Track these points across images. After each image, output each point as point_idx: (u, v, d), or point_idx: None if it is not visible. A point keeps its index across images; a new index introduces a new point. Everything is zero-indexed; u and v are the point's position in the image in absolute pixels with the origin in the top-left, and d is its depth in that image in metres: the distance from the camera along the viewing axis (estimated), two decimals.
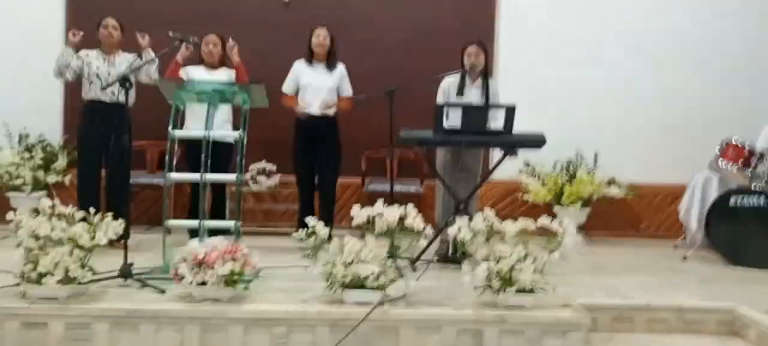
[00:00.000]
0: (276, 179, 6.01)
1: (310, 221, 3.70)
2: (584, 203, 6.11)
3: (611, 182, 6.19)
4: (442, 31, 6.35)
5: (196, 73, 5.17)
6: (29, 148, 5.84)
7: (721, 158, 5.43)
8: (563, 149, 6.19)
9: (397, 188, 5.55)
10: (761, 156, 5.32)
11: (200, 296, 3.45)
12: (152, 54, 5.02)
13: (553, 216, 5.40)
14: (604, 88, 6.60)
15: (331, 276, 3.53)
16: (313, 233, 3.65)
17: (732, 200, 5.23)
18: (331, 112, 5.35)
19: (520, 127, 4.70)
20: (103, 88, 4.91)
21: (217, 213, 5.19)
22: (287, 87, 5.45)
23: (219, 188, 5.26)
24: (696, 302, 3.90)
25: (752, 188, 5.23)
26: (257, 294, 3.64)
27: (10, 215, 3.53)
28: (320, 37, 5.34)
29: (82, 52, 5.14)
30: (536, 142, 4.69)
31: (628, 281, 4.45)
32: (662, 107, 6.62)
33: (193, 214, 4.88)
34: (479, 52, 5.06)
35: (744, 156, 5.33)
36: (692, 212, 5.80)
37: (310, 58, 5.40)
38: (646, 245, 6.17)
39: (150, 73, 5.09)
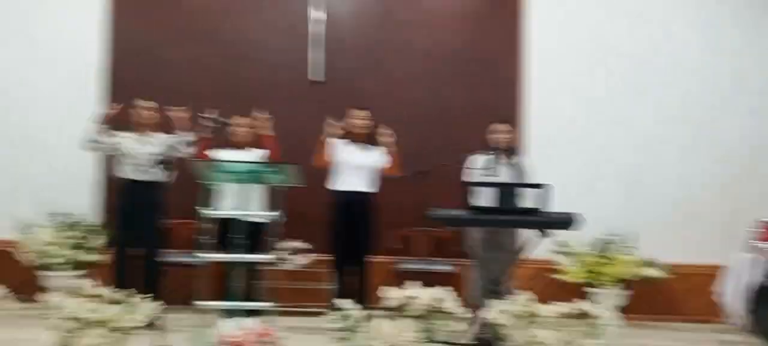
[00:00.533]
0: (310, 258, 6.00)
1: (344, 302, 3.65)
2: (623, 284, 5.96)
3: (650, 263, 6.04)
4: (468, 108, 6.37)
5: (224, 156, 5.21)
6: (66, 227, 5.89)
7: (758, 240, 5.31)
8: (598, 228, 6.07)
9: (431, 267, 5.49)
10: None
11: None
12: (188, 136, 5.11)
13: (588, 297, 5.32)
14: (638, 165, 6.54)
15: None
16: (348, 315, 3.60)
17: None
18: (369, 189, 5.32)
19: (555, 205, 4.64)
20: (145, 169, 4.98)
21: (249, 292, 5.15)
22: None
23: (254, 268, 5.23)
24: None
25: None
26: None
27: (46, 296, 3.54)
28: (360, 119, 5.40)
29: (117, 133, 5.25)
30: (566, 222, 4.62)
31: None
32: (700, 185, 6.52)
33: (226, 294, 4.87)
34: (509, 128, 5.08)
35: None
36: (733, 294, 5.62)
37: (349, 137, 5.44)
38: (687, 329, 5.98)
39: (185, 149, 5.15)
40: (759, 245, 5.29)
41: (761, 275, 5.37)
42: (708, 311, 6.37)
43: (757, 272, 5.50)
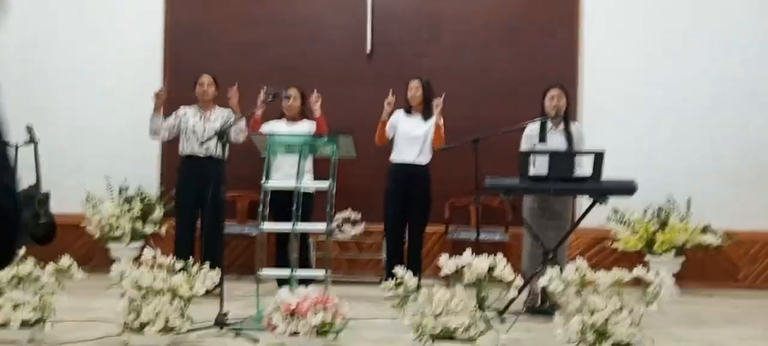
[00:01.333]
0: (361, 228, 6.11)
1: (399, 270, 3.72)
2: (678, 251, 5.88)
3: (706, 229, 5.95)
4: (523, 78, 6.31)
5: (277, 127, 5.34)
6: (128, 200, 6.13)
7: None
8: (653, 195, 5.99)
9: (482, 236, 5.50)
10: None
11: (293, 345, 3.50)
12: (241, 123, 5.23)
13: (645, 265, 5.27)
14: (694, 130, 6.38)
15: (420, 327, 3.52)
16: (402, 283, 3.66)
17: None
18: (421, 160, 5.36)
19: (608, 172, 4.60)
20: (202, 144, 5.14)
21: (303, 261, 5.28)
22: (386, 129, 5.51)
23: (305, 237, 5.36)
24: None
25: None
26: (347, 344, 3.66)
27: (114, 266, 3.70)
28: (412, 90, 5.43)
29: (180, 110, 5.42)
30: (627, 189, 4.59)
31: (730, 333, 4.25)
32: (757, 150, 6.34)
33: (280, 262, 5.00)
34: (561, 94, 5.00)
35: None
36: None
37: (408, 108, 5.49)
38: (744, 296, 5.87)
39: (238, 136, 5.27)
40: None
41: None
42: (767, 279, 6.25)
43: None
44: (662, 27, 6.46)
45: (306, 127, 5.39)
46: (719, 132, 6.39)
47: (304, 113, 5.50)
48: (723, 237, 5.97)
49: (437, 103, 5.30)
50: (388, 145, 5.54)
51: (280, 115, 5.49)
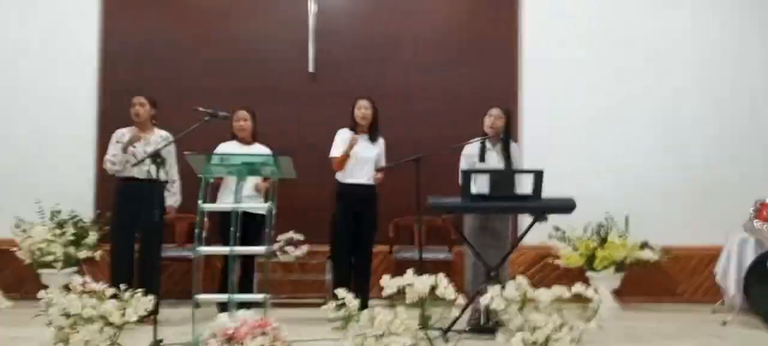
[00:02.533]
0: (304, 249, 6.02)
1: (340, 292, 3.66)
2: (617, 267, 5.98)
3: (644, 246, 6.07)
4: (465, 98, 6.37)
5: (228, 148, 5.24)
6: (61, 224, 5.90)
7: (756, 219, 5.31)
8: (593, 212, 6.10)
9: (426, 255, 5.49)
10: None
11: None
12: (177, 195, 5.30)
13: (586, 281, 5.34)
14: (632, 149, 6.54)
15: None
16: (343, 304, 3.61)
17: None
18: (372, 181, 5.35)
19: (548, 190, 4.65)
20: (134, 165, 4.98)
21: (246, 285, 5.17)
22: (336, 151, 5.40)
23: (248, 260, 5.25)
24: None
25: None
26: None
27: (42, 293, 3.54)
28: (362, 109, 5.38)
29: (117, 133, 5.26)
30: (566, 207, 4.64)
31: None
32: (693, 167, 6.53)
33: (222, 287, 4.88)
34: (500, 115, 5.07)
35: None
36: (729, 275, 5.64)
37: (354, 128, 5.43)
38: (683, 310, 6.01)
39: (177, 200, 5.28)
40: (755, 224, 5.30)
41: (756, 255, 5.39)
42: (705, 293, 6.41)
43: (749, 251, 5.52)
44: (601, 47, 6.62)
45: (257, 150, 5.29)
46: (657, 151, 6.56)
47: (256, 136, 5.41)
48: (661, 253, 6.10)
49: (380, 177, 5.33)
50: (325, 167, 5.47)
51: (231, 136, 5.38)
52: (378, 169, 5.37)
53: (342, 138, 5.39)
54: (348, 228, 5.34)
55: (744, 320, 5.28)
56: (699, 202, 6.45)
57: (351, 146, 5.25)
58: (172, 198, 5.33)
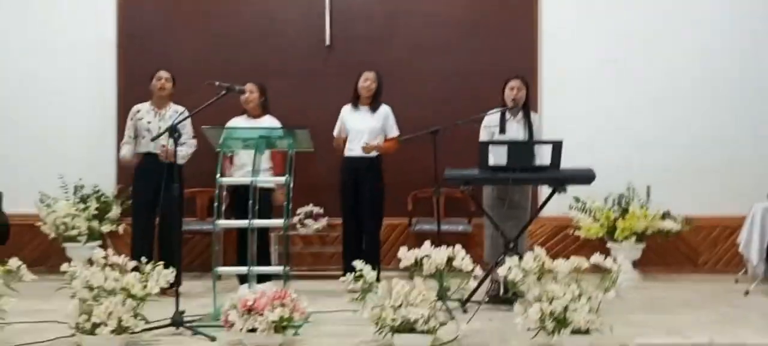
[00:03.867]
0: (323, 222, 6.06)
1: (358, 264, 3.68)
2: (638, 238, 5.94)
3: (665, 216, 6.02)
4: (483, 70, 6.31)
5: (238, 122, 5.24)
6: (84, 199, 5.99)
7: None
8: (614, 183, 6.05)
9: (445, 227, 5.50)
10: None
11: (251, 342, 3.45)
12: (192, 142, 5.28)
13: (606, 252, 5.31)
14: (654, 119, 6.46)
15: (380, 320, 3.49)
16: (361, 276, 3.63)
17: None
18: (372, 153, 5.35)
19: (569, 161, 4.62)
20: (153, 139, 5.02)
21: (262, 257, 5.20)
22: (336, 131, 5.51)
23: (264, 233, 5.27)
24: (760, 339, 3.72)
25: None
26: (307, 340, 3.63)
27: (65, 266, 3.61)
28: (368, 81, 5.38)
29: (133, 109, 5.30)
30: (586, 178, 4.60)
31: (688, 319, 4.29)
32: (715, 137, 6.43)
33: (241, 260, 4.93)
34: (521, 85, 5.01)
35: None
36: (752, 244, 5.57)
37: (356, 101, 5.44)
38: (705, 281, 5.96)
39: (183, 155, 5.17)
40: None
41: None
42: (727, 263, 6.35)
43: None
44: (620, 18, 6.52)
45: (268, 123, 5.30)
46: (677, 121, 6.47)
47: (266, 109, 5.42)
48: (682, 223, 6.04)
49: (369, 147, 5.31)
50: None
51: (242, 111, 5.40)
52: (389, 139, 5.35)
53: (341, 116, 5.47)
54: (349, 201, 5.36)
55: (766, 290, 5.23)
56: (722, 172, 6.37)
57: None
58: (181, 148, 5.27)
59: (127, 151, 5.30)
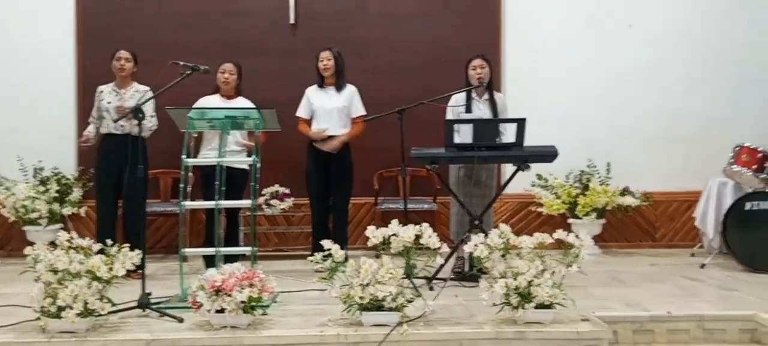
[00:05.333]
0: (289, 202, 6.06)
1: (326, 243, 3.70)
2: (598, 213, 6.08)
3: (625, 192, 6.17)
4: (448, 49, 6.35)
5: (211, 102, 5.20)
6: (44, 182, 5.89)
7: (734, 163, 5.39)
8: (575, 160, 6.18)
9: (411, 206, 5.56)
10: None
11: (219, 323, 3.45)
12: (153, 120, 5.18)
13: (568, 228, 5.42)
14: (614, 97, 6.59)
15: (348, 298, 3.52)
16: (329, 255, 3.65)
17: (747, 205, 5.19)
18: (340, 131, 5.35)
19: (531, 139, 4.69)
20: (115, 121, 4.94)
21: (231, 238, 5.20)
22: (300, 112, 5.48)
23: (232, 214, 5.27)
24: (716, 311, 3.86)
25: (767, 191, 5.19)
26: (275, 319, 3.64)
27: (28, 250, 3.55)
28: (324, 61, 5.37)
29: (98, 90, 5.19)
30: (549, 155, 4.68)
31: (647, 292, 4.42)
32: (673, 115, 6.60)
33: (208, 241, 4.92)
34: (483, 65, 5.05)
35: (757, 160, 5.29)
36: (708, 218, 5.76)
37: (321, 82, 5.43)
38: (663, 254, 6.14)
39: (149, 125, 5.13)
40: (734, 168, 5.38)
41: (732, 198, 5.49)
42: (684, 237, 6.55)
43: (728, 195, 5.62)
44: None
45: (241, 104, 5.25)
46: (637, 99, 6.61)
47: (240, 90, 5.36)
48: (641, 198, 6.20)
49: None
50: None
51: (215, 90, 5.33)
52: (356, 119, 5.37)
53: (306, 96, 5.44)
54: (319, 181, 5.37)
55: (721, 263, 5.40)
56: (679, 148, 6.54)
57: (315, 135, 5.32)
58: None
59: (88, 129, 5.19)
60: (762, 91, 6.58)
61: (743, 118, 6.47)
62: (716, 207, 5.70)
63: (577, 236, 3.66)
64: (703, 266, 5.35)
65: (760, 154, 5.30)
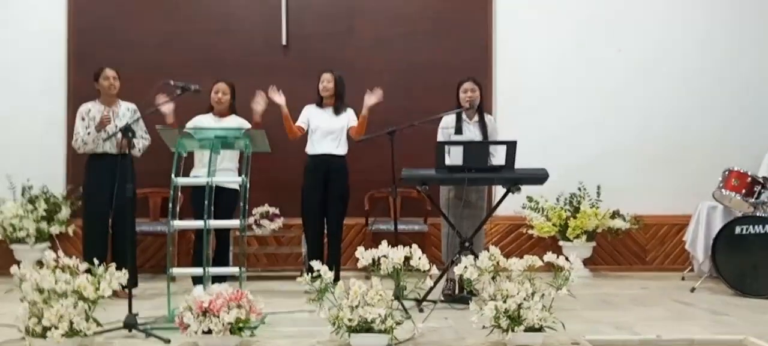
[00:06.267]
0: (279, 223, 6.03)
1: (315, 264, 3.68)
2: (589, 236, 6.09)
3: (615, 215, 6.18)
4: (440, 70, 6.38)
5: (204, 121, 5.18)
6: (32, 200, 5.85)
7: (723, 188, 5.41)
8: (566, 182, 6.19)
9: (402, 227, 5.54)
10: (764, 184, 5.31)
11: (206, 344, 3.42)
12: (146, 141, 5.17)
13: (559, 250, 5.42)
14: (604, 120, 6.62)
15: (337, 320, 3.50)
16: (319, 276, 3.63)
17: (737, 229, 5.20)
18: (340, 151, 5.33)
19: (521, 161, 4.70)
20: (106, 139, 4.92)
21: (221, 258, 5.17)
22: (299, 122, 5.42)
23: (223, 234, 5.23)
24: (707, 335, 3.85)
25: (757, 215, 5.21)
26: (263, 341, 3.61)
27: (14, 269, 3.52)
28: (324, 82, 5.38)
29: (83, 108, 5.15)
30: (539, 177, 4.69)
31: (637, 315, 4.41)
32: (664, 138, 6.64)
33: (196, 260, 4.88)
34: (474, 87, 5.07)
35: (747, 184, 5.32)
36: (698, 242, 5.78)
37: (320, 102, 5.42)
38: (653, 278, 6.14)
39: (140, 147, 5.13)
40: (724, 192, 5.40)
41: (722, 221, 5.51)
42: (674, 260, 6.55)
43: (718, 219, 5.65)
44: (572, 19, 6.66)
45: (234, 123, 5.23)
46: (627, 121, 6.65)
47: (234, 109, 5.35)
48: (631, 221, 6.21)
49: (374, 96, 5.27)
50: (303, 139, 5.44)
51: (208, 109, 5.30)
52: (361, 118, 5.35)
53: (306, 112, 5.42)
54: (316, 200, 5.33)
55: (711, 286, 5.41)
56: (669, 172, 6.57)
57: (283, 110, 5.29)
58: (138, 141, 5.17)
59: (90, 136, 5.07)
60: (751, 114, 6.63)
61: (733, 141, 6.50)
62: (706, 231, 5.72)
63: (567, 259, 3.66)
64: (693, 289, 5.35)
65: (749, 179, 5.32)
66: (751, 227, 5.17)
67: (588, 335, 3.69)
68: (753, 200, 5.29)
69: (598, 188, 6.28)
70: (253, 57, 6.46)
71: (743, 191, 5.31)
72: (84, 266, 3.57)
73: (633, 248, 6.61)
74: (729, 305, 4.79)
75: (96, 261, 3.61)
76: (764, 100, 6.65)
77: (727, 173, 5.44)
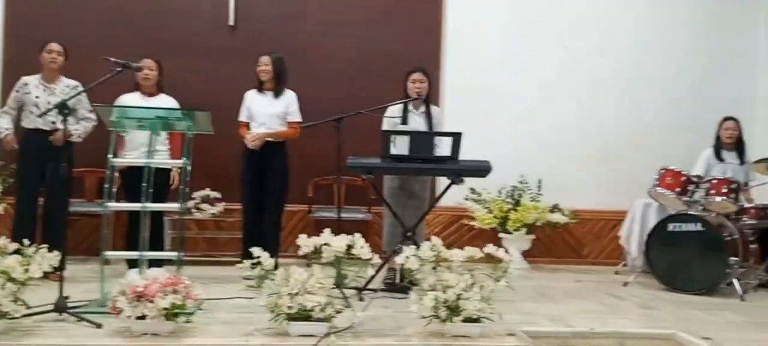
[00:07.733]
0: (221, 207, 5.94)
1: (256, 250, 3.63)
2: (528, 229, 6.19)
3: (554, 209, 6.30)
4: (389, 59, 6.36)
5: (130, 100, 4.99)
6: None
7: (658, 185, 5.56)
8: (508, 175, 6.27)
9: (345, 215, 5.52)
10: (698, 183, 5.48)
11: (139, 330, 3.33)
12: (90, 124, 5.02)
13: (499, 242, 5.49)
14: (547, 115, 6.74)
15: (276, 308, 3.46)
16: (258, 263, 3.58)
17: (670, 226, 5.36)
18: (271, 138, 5.25)
19: (466, 153, 4.74)
20: (40, 116, 4.74)
21: (156, 242, 5.02)
22: (241, 116, 5.32)
23: (157, 216, 5.08)
24: (637, 329, 3.97)
25: (689, 213, 5.37)
26: (199, 327, 3.54)
27: None
28: (262, 66, 5.26)
29: (21, 81, 4.95)
30: (482, 169, 4.74)
31: (572, 308, 4.51)
32: (602, 135, 6.79)
33: (131, 243, 4.74)
34: (423, 78, 5.08)
35: (681, 183, 5.48)
36: (632, 238, 5.95)
37: (260, 86, 5.32)
38: (588, 271, 6.30)
39: (80, 133, 4.97)
40: (658, 190, 5.55)
41: (656, 218, 5.67)
42: (609, 255, 6.73)
43: (652, 216, 5.82)
44: (519, 13, 6.74)
45: (164, 102, 5.09)
46: (569, 117, 6.78)
47: (161, 87, 5.19)
48: (569, 216, 6.34)
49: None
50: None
51: (135, 87, 5.13)
52: (291, 123, 5.27)
53: (245, 100, 5.31)
54: (254, 186, 5.25)
55: (643, 281, 5.57)
56: (607, 168, 6.74)
57: (250, 140, 5.18)
58: (78, 125, 5.02)
59: (4, 124, 4.94)
60: (690, 114, 6.83)
61: (670, 140, 6.70)
62: (640, 227, 5.88)
63: (506, 251, 3.71)
64: (625, 284, 5.50)
65: (683, 178, 5.48)
66: (683, 224, 5.33)
67: (524, 326, 3.76)
68: (686, 198, 5.45)
69: (539, 181, 6.39)
70: (198, 36, 6.32)
71: (677, 189, 5.47)
72: (13, 246, 3.44)
73: (570, 241, 6.76)
74: (660, 300, 4.94)
75: (26, 242, 3.47)
76: (700, 100, 6.86)
77: (662, 171, 5.59)
